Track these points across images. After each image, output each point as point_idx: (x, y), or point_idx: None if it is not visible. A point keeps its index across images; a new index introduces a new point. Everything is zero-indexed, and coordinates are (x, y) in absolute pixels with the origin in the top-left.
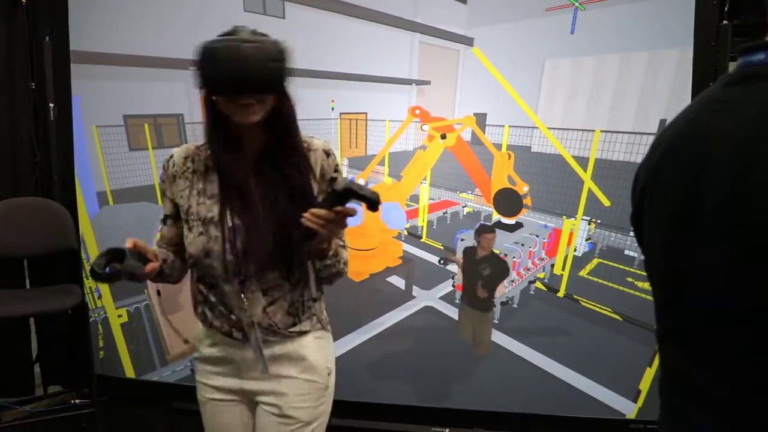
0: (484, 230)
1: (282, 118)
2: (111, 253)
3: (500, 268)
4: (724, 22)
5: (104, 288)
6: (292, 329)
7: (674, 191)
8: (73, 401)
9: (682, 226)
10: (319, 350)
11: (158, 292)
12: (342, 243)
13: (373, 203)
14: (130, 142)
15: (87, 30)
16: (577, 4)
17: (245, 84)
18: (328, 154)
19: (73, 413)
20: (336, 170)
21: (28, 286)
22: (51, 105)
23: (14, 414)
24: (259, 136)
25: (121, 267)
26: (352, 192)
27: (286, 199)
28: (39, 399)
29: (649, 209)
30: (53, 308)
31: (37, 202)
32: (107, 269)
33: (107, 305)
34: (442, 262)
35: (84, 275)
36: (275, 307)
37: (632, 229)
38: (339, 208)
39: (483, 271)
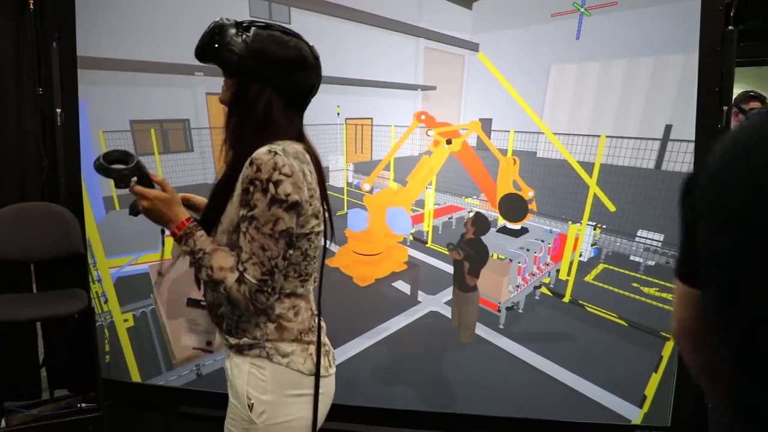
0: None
1: (230, 107)
2: (122, 153)
3: (481, 250)
4: (730, 27)
5: (111, 293)
6: (227, 338)
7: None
8: (79, 405)
9: None
10: (245, 377)
11: (159, 273)
12: (190, 248)
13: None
14: (136, 147)
15: (94, 35)
16: (582, 9)
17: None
18: (251, 162)
19: (79, 417)
20: (251, 183)
21: (34, 291)
22: (58, 110)
23: (21, 417)
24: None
25: (124, 168)
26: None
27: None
28: (45, 402)
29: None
30: (60, 312)
31: (44, 207)
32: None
33: (113, 309)
34: (450, 246)
35: (91, 280)
36: (220, 312)
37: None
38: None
39: (465, 252)
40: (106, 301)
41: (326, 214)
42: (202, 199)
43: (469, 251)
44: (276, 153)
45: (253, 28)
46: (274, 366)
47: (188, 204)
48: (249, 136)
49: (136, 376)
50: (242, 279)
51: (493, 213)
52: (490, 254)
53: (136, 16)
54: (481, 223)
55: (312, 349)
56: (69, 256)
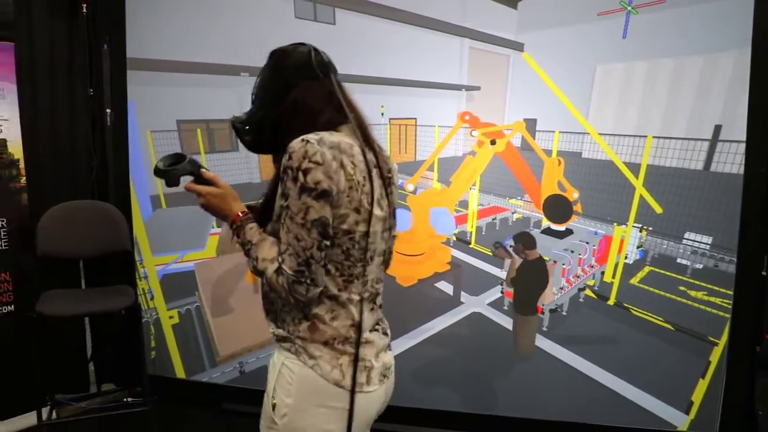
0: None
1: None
2: (178, 155)
3: (537, 279)
4: None
5: (156, 289)
6: (269, 326)
7: None
8: (125, 399)
9: None
10: (276, 374)
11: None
12: (241, 239)
13: (166, 176)
14: (183, 146)
15: (142, 37)
16: (629, 8)
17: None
18: (285, 151)
19: (125, 411)
20: (284, 171)
21: (83, 287)
22: (108, 110)
23: (71, 410)
24: None
25: (179, 167)
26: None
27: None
28: (93, 396)
29: None
30: (108, 308)
31: (93, 205)
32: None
33: (159, 306)
34: (496, 246)
35: (137, 277)
36: (266, 302)
37: None
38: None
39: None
40: (152, 298)
41: (388, 221)
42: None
43: (527, 275)
44: (308, 141)
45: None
46: (301, 367)
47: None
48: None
49: (180, 373)
50: (281, 270)
51: (537, 214)
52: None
53: (184, 18)
54: (526, 239)
55: (344, 360)
56: (117, 254)
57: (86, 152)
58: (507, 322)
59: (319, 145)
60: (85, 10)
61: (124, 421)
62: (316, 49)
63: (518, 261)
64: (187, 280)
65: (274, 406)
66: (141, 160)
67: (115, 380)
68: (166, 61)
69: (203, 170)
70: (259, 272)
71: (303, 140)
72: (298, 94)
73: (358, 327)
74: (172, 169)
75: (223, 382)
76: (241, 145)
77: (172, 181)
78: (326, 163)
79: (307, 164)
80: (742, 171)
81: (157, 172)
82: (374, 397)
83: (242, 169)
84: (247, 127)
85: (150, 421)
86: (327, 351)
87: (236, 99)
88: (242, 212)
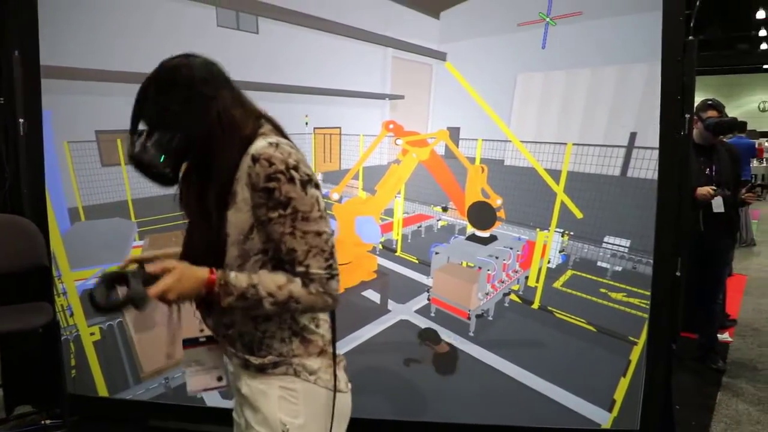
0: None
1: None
2: (112, 277)
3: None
4: (690, 37)
5: (76, 305)
6: (247, 358)
7: None
8: (43, 422)
9: None
10: (275, 401)
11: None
12: (236, 294)
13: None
14: (102, 157)
15: (57, 44)
16: (548, 19)
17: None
18: (255, 160)
19: None
20: (270, 179)
21: None
22: (21, 120)
23: None
24: None
25: (127, 294)
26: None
27: (192, 222)
28: (5, 421)
29: None
30: (24, 326)
31: (6, 219)
32: (110, 297)
33: (79, 323)
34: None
35: (55, 292)
36: (232, 333)
37: None
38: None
39: None
40: (71, 315)
41: None
42: (168, 251)
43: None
44: (276, 144)
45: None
46: (304, 385)
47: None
48: (231, 148)
49: (103, 391)
50: (309, 278)
51: (462, 221)
52: (459, 262)
53: (101, 25)
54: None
55: (333, 362)
56: (33, 269)
57: None
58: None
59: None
60: None
61: None
62: (207, 58)
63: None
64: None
65: (285, 428)
66: (58, 172)
67: (32, 402)
68: (83, 69)
69: (148, 267)
70: (282, 303)
71: (270, 144)
72: (219, 107)
73: (333, 322)
74: (117, 301)
75: (148, 399)
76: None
77: (137, 304)
78: (302, 157)
79: (293, 161)
80: (656, 176)
81: (100, 309)
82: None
83: None
84: (162, 158)
85: None
86: (321, 360)
87: None
88: (210, 271)
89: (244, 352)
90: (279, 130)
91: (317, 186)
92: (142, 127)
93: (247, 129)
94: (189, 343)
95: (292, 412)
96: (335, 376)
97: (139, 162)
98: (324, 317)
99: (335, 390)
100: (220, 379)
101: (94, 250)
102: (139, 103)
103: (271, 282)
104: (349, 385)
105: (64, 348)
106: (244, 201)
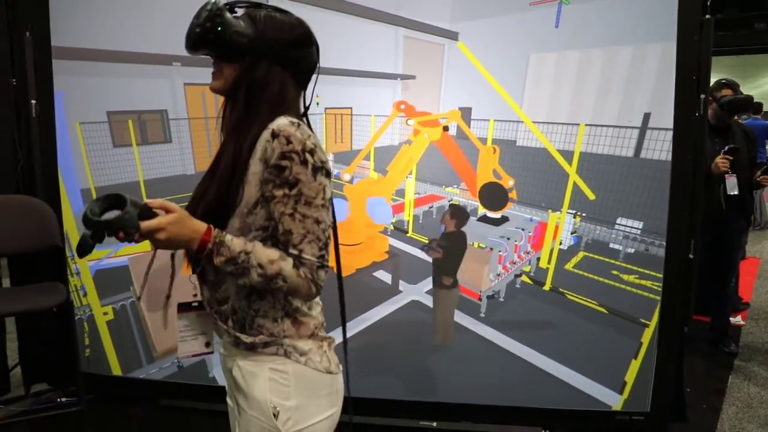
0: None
1: (235, 90)
2: (111, 198)
3: (459, 244)
4: (707, 16)
5: (90, 286)
6: (238, 336)
7: None
8: (59, 399)
9: None
10: (265, 383)
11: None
12: (227, 256)
13: (103, 229)
14: (114, 138)
15: (69, 25)
16: None
17: (187, 45)
18: (274, 135)
19: (59, 411)
20: (284, 157)
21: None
22: (33, 101)
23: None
24: (228, 109)
25: (118, 215)
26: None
27: (210, 176)
28: (23, 398)
29: None
30: (38, 306)
31: (19, 200)
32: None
33: (93, 303)
34: (425, 248)
35: (68, 272)
36: (225, 308)
37: None
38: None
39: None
40: (85, 294)
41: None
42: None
43: (446, 245)
44: (299, 124)
45: (250, 9)
46: (294, 366)
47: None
48: (263, 117)
49: (116, 370)
50: (300, 261)
51: (473, 202)
52: (470, 243)
53: (113, 5)
54: (461, 214)
55: (326, 346)
56: (46, 250)
57: (11, 145)
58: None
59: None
60: None
61: (59, 422)
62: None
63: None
64: (122, 275)
65: (276, 415)
66: (70, 153)
67: (48, 380)
68: (95, 50)
69: (148, 201)
70: (269, 277)
71: (292, 123)
72: (287, 77)
73: (342, 306)
74: (115, 218)
75: (160, 378)
76: (174, 137)
77: (125, 231)
78: (318, 142)
79: (310, 144)
80: (670, 158)
81: (91, 224)
82: None
83: (176, 161)
84: (241, 40)
85: (85, 420)
86: (313, 342)
87: (168, 89)
88: (208, 226)
89: (235, 329)
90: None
91: (328, 175)
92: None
93: (285, 109)
94: (182, 307)
95: (283, 394)
96: (346, 362)
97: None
98: (317, 300)
99: (347, 372)
100: (207, 344)
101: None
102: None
103: (264, 254)
104: (341, 366)
105: (78, 327)
106: (254, 174)
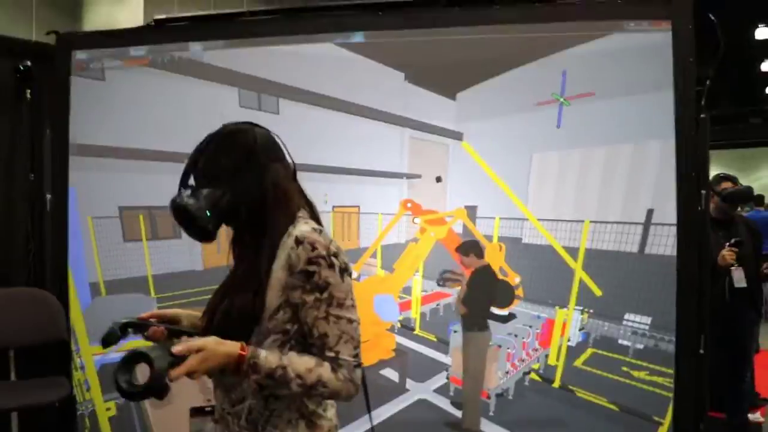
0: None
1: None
2: (134, 358)
3: (478, 280)
4: (702, 115)
5: (93, 380)
6: None
7: None
8: None
9: None
10: None
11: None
12: (262, 374)
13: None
14: (125, 232)
15: (86, 123)
16: (561, 99)
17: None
18: (299, 242)
19: None
20: (312, 262)
21: (13, 378)
22: (48, 196)
23: None
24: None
25: (148, 382)
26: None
27: (231, 286)
28: None
29: None
30: (40, 401)
31: (29, 292)
32: (133, 380)
33: (96, 398)
34: (441, 282)
35: (74, 367)
36: (239, 408)
37: None
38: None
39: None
40: (88, 389)
41: None
42: (188, 312)
43: (471, 280)
44: (319, 230)
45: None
46: None
47: (174, 321)
48: (278, 225)
49: None
50: (338, 363)
51: None
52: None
53: (127, 106)
54: (471, 245)
55: None
56: (52, 343)
57: (24, 237)
58: (453, 409)
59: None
60: (29, 95)
61: None
62: (268, 130)
63: (465, 279)
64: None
65: None
66: (81, 247)
67: None
68: (109, 147)
69: (174, 349)
70: (310, 386)
71: (314, 229)
72: (274, 177)
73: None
74: (139, 388)
75: None
76: (183, 232)
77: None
78: (340, 247)
79: (335, 249)
80: (674, 252)
81: (130, 395)
82: None
83: (184, 257)
84: (208, 213)
85: None
86: None
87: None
88: (241, 347)
89: (249, 429)
90: (315, 216)
91: (351, 275)
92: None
93: (293, 205)
94: (195, 411)
95: None
96: None
97: (184, 210)
98: (331, 402)
99: None
100: None
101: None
102: (195, 156)
103: (301, 364)
104: None
105: (79, 423)
106: (277, 280)
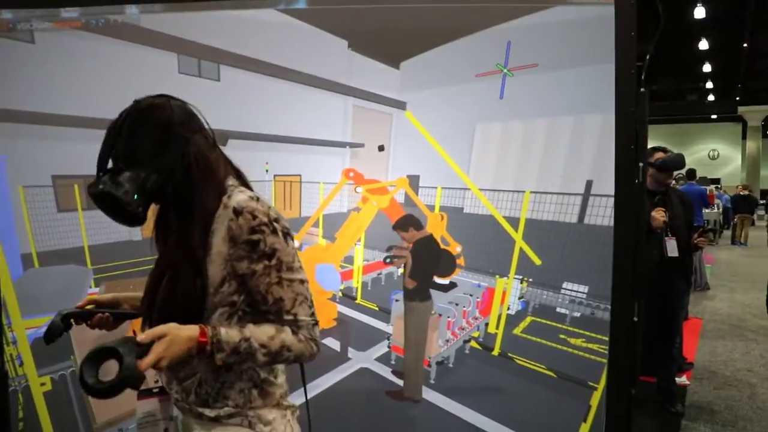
0: (396, 227)
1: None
2: (100, 353)
3: (427, 249)
4: (642, 89)
5: (27, 355)
6: (201, 411)
7: None
8: None
9: None
10: None
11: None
12: (227, 351)
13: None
14: (58, 202)
15: (13, 88)
16: (505, 70)
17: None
18: (237, 213)
19: None
20: (255, 231)
21: None
22: None
23: None
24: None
25: (119, 374)
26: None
27: (167, 266)
28: None
29: None
30: None
31: None
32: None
33: (29, 373)
34: (388, 260)
35: (4, 341)
36: (188, 383)
37: None
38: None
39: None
40: (21, 364)
41: None
42: (125, 295)
43: (414, 249)
44: (256, 198)
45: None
46: None
47: (113, 305)
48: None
49: None
50: (297, 325)
51: None
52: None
53: (60, 71)
54: (409, 219)
55: (289, 415)
56: None
57: None
58: (395, 378)
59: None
60: None
61: None
62: (184, 102)
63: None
64: (62, 343)
65: None
66: (12, 217)
67: None
68: (39, 113)
69: (139, 338)
70: (275, 353)
71: (251, 197)
72: (195, 150)
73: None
74: (119, 381)
75: None
76: None
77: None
78: (278, 212)
79: (274, 214)
80: (612, 223)
81: (96, 391)
82: None
83: (122, 227)
84: (135, 196)
85: None
86: (277, 412)
87: None
88: (200, 327)
89: (198, 405)
90: (245, 182)
91: (293, 238)
92: (110, 165)
93: (220, 174)
94: (145, 394)
95: None
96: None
97: (109, 197)
98: (281, 368)
99: None
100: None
101: (47, 297)
102: (112, 138)
103: (262, 333)
104: None
105: (12, 399)
106: (218, 254)
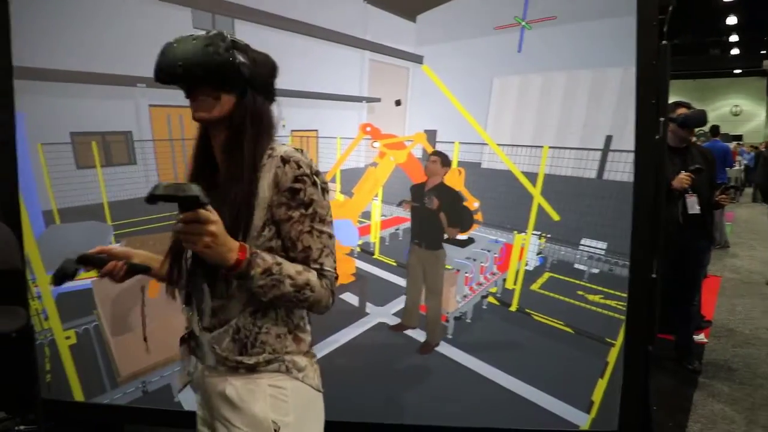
0: (444, 162)
1: (233, 119)
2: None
3: (449, 195)
4: (664, 42)
5: (51, 309)
6: (239, 360)
7: None
8: (17, 428)
9: None
10: (264, 400)
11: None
12: (260, 268)
13: (182, 201)
14: (77, 159)
15: (31, 45)
16: (523, 23)
17: (165, 76)
18: (285, 161)
19: None
20: (298, 180)
21: None
22: None
23: None
24: (219, 138)
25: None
26: (156, 197)
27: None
28: None
29: None
30: None
31: None
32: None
33: (54, 327)
34: (401, 204)
35: (29, 296)
36: (222, 331)
37: None
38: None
39: (429, 203)
40: (46, 318)
41: None
42: (137, 251)
43: (440, 197)
44: (302, 150)
45: (233, 41)
46: (293, 382)
47: (128, 258)
48: (265, 144)
49: (79, 395)
50: (322, 274)
51: None
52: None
53: (76, 26)
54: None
55: (315, 364)
56: (6, 273)
57: None
58: (412, 331)
59: None
60: None
61: None
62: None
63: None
64: (85, 298)
65: (277, 427)
66: (31, 174)
67: (5, 408)
68: (58, 70)
69: (201, 216)
70: (300, 287)
71: (296, 149)
72: (261, 100)
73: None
74: (185, 195)
75: (124, 404)
76: (139, 159)
77: (188, 205)
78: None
79: (316, 168)
80: (632, 179)
81: (158, 198)
82: None
83: (140, 183)
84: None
85: None
86: (307, 359)
87: (133, 111)
88: (241, 244)
89: (235, 353)
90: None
91: (328, 194)
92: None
93: (272, 128)
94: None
95: (282, 410)
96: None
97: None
98: (307, 318)
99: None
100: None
101: (69, 253)
102: (199, 55)
103: (291, 266)
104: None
105: (39, 352)
106: (263, 199)
